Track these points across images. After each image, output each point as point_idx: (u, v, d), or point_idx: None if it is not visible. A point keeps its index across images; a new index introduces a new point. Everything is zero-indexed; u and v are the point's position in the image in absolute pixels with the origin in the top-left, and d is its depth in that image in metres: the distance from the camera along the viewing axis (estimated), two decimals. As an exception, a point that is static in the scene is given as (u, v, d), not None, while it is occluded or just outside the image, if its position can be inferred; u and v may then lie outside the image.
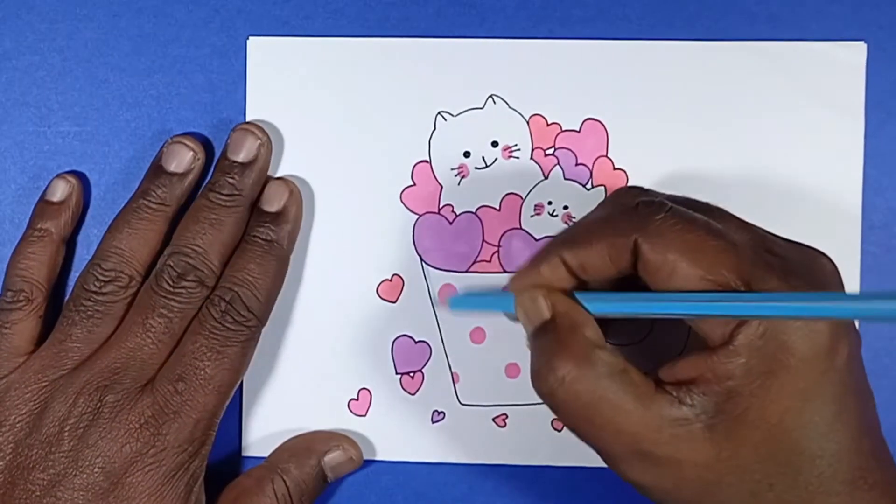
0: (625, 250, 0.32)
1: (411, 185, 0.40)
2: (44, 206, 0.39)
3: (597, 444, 0.32)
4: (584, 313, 0.33)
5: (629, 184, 0.40)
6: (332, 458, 0.39)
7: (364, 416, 0.40)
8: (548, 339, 0.32)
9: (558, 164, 0.40)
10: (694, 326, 0.32)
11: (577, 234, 0.34)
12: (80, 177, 0.40)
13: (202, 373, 0.36)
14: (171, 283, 0.37)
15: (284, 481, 0.38)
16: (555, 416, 0.33)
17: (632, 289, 0.33)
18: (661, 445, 0.31)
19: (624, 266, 0.33)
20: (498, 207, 0.40)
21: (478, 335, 0.40)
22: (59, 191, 0.39)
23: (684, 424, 0.31)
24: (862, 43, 0.39)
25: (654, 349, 0.40)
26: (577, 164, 0.40)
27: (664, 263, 0.31)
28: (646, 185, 0.39)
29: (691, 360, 0.31)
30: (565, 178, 0.40)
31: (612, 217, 0.33)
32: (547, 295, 0.33)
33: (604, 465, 0.40)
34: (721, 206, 0.39)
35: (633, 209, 0.33)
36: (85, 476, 0.34)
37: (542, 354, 0.32)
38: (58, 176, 0.40)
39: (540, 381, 0.32)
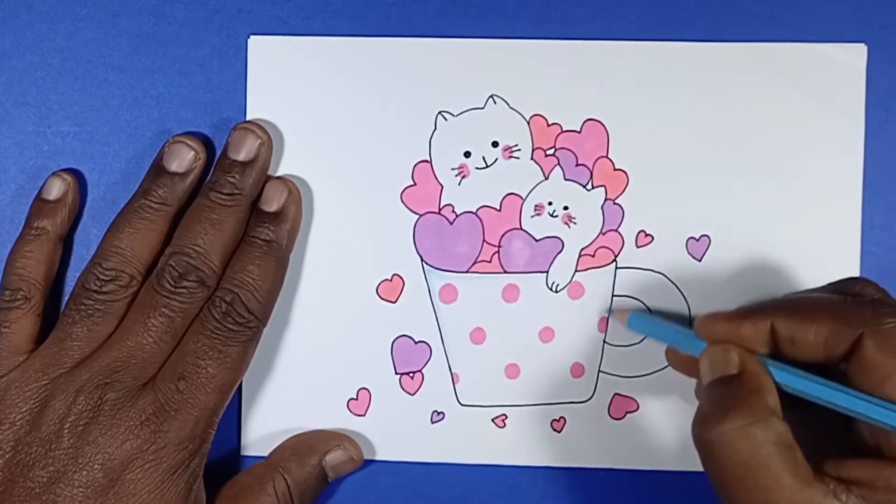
0: (845, 341, 0.32)
1: (411, 185, 0.40)
2: (40, 204, 0.39)
3: (736, 502, 0.32)
4: (769, 380, 0.33)
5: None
6: (334, 457, 0.39)
7: (363, 415, 0.40)
8: (727, 392, 0.33)
9: (559, 164, 0.40)
10: (870, 432, 0.33)
11: (799, 308, 0.34)
12: (77, 175, 0.40)
13: (204, 372, 0.36)
14: (172, 282, 0.37)
15: (285, 480, 0.38)
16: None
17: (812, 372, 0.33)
18: None
19: (835, 355, 0.33)
20: (498, 207, 0.40)
21: (478, 335, 0.40)
22: (55, 189, 0.39)
23: None
24: (862, 44, 0.39)
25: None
26: (577, 165, 0.40)
27: (883, 367, 0.32)
28: (646, 186, 0.40)
29: (864, 464, 0.32)
30: (566, 179, 0.40)
31: (842, 304, 0.33)
32: (740, 352, 0.34)
33: (602, 465, 0.40)
34: (721, 207, 0.39)
35: (867, 303, 0.33)
36: (85, 473, 0.34)
37: (715, 403, 0.33)
38: (53, 174, 0.40)
39: (706, 426, 0.33)
